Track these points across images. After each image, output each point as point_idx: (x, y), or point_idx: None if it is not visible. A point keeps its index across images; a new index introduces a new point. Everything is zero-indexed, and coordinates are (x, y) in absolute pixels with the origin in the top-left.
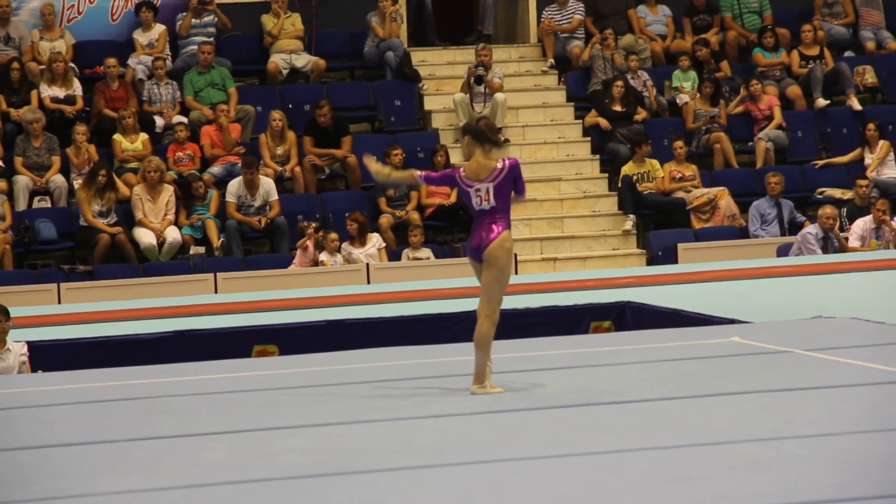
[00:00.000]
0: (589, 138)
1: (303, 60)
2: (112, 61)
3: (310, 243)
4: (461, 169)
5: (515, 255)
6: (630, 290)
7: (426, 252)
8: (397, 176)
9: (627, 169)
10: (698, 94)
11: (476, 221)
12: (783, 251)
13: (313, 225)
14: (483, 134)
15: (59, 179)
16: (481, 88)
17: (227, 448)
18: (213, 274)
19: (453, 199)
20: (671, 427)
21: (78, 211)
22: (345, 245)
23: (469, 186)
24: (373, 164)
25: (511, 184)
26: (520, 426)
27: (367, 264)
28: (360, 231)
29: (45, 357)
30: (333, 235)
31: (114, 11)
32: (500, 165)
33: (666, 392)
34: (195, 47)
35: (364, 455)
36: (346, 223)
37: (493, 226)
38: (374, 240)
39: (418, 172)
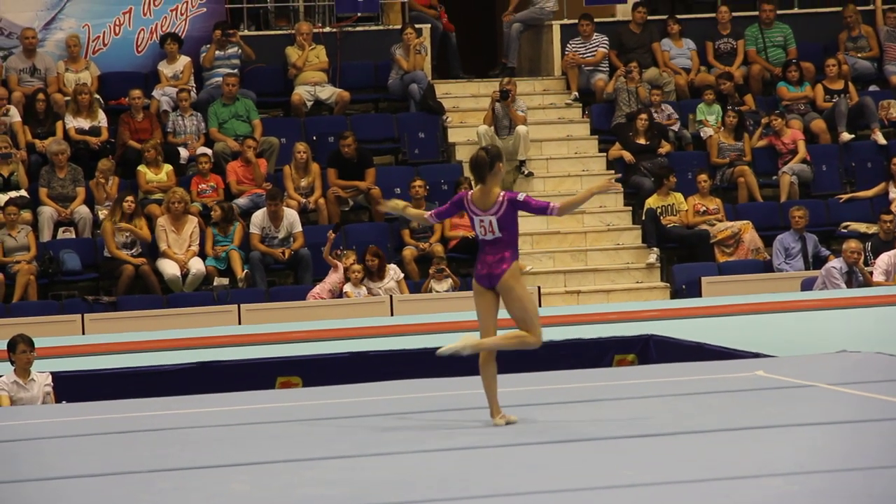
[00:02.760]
0: (613, 171)
1: (327, 92)
2: (137, 93)
3: (341, 265)
4: (469, 193)
5: (539, 287)
6: (654, 323)
7: (448, 284)
8: (411, 212)
9: (651, 202)
10: (722, 128)
11: (481, 248)
12: (807, 285)
13: (352, 256)
14: (474, 166)
15: (83, 210)
16: (508, 103)
17: (249, 480)
18: (236, 305)
19: None
20: (695, 461)
21: (102, 242)
22: (364, 280)
23: (474, 214)
24: (390, 202)
25: (514, 216)
26: (543, 459)
27: (391, 296)
28: (379, 266)
29: (69, 387)
30: (357, 267)
31: (139, 43)
32: (499, 199)
33: (690, 426)
34: (220, 79)
35: (387, 487)
36: (367, 257)
37: (500, 257)
38: (392, 272)
39: (428, 213)
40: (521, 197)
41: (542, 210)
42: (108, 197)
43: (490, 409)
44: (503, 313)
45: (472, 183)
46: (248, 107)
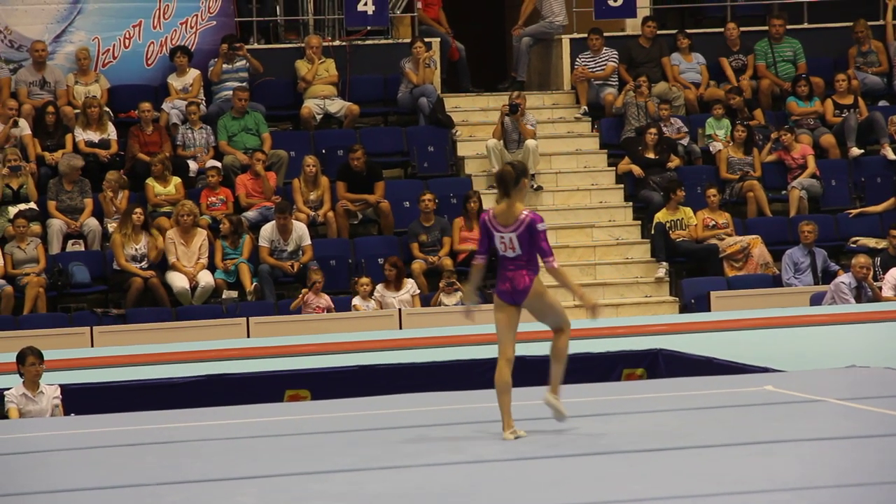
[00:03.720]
0: (622, 185)
1: (336, 106)
2: (146, 105)
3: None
4: (490, 211)
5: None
6: (663, 337)
7: (457, 297)
8: (474, 280)
9: (660, 216)
10: (732, 142)
11: (501, 264)
12: (816, 300)
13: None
14: (499, 180)
15: (92, 223)
16: (517, 117)
17: (258, 493)
18: (245, 318)
19: None
20: (704, 475)
21: (111, 255)
22: (379, 287)
23: (495, 230)
24: (466, 298)
25: (529, 238)
26: (551, 473)
27: (400, 310)
28: (397, 276)
29: (78, 400)
30: (365, 280)
31: (148, 56)
32: (522, 217)
33: (698, 440)
34: (229, 92)
35: (395, 501)
36: (385, 267)
37: (523, 274)
38: (410, 286)
39: (478, 262)
40: (540, 227)
41: (544, 253)
42: (117, 210)
43: (502, 423)
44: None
45: (497, 198)
46: (258, 120)
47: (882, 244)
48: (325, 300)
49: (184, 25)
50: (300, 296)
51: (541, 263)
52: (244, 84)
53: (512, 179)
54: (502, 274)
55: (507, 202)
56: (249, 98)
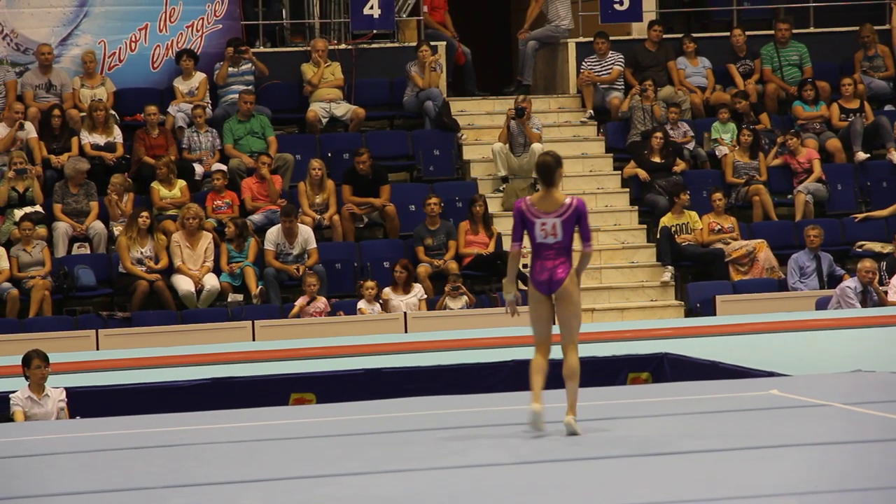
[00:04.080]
0: (627, 189)
1: (342, 109)
2: (152, 109)
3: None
4: (526, 200)
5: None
6: (668, 341)
7: (463, 301)
8: (511, 272)
9: (666, 220)
10: (737, 146)
11: (538, 253)
12: (822, 304)
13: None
14: (543, 169)
15: (98, 226)
16: (523, 121)
17: (263, 496)
18: (250, 321)
19: (491, 248)
20: (709, 479)
21: (117, 257)
22: (386, 290)
23: (535, 217)
24: (507, 296)
25: (575, 222)
26: (557, 477)
27: (405, 313)
28: (406, 279)
29: (83, 403)
30: (371, 283)
31: (154, 59)
32: (567, 201)
33: (703, 444)
34: (235, 96)
35: None
36: (396, 269)
37: (561, 262)
38: (417, 290)
39: (513, 251)
40: (585, 211)
41: (587, 237)
42: (122, 214)
43: (532, 396)
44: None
45: (540, 186)
46: (264, 123)
47: (888, 248)
48: (322, 303)
49: (190, 29)
50: (295, 307)
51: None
52: (250, 87)
53: (555, 168)
54: (540, 263)
55: (546, 192)
56: (255, 101)
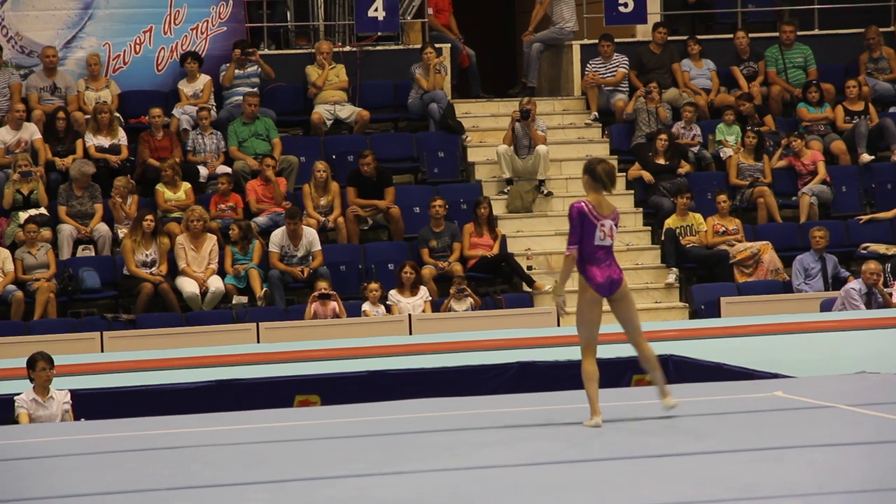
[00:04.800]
0: (632, 191)
1: (346, 111)
2: (157, 111)
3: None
4: (587, 202)
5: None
6: (673, 343)
7: (468, 303)
8: (565, 273)
9: (670, 222)
10: (742, 148)
11: (593, 256)
12: (826, 306)
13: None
14: (596, 176)
15: (102, 228)
16: (528, 123)
17: (267, 498)
18: (255, 323)
19: (496, 250)
20: (713, 481)
21: (121, 260)
22: (392, 293)
23: (597, 220)
24: (553, 292)
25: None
26: (560, 479)
27: (410, 315)
28: (414, 281)
29: (88, 405)
30: (375, 285)
31: (159, 62)
32: (613, 206)
33: (708, 446)
34: (239, 98)
35: None
36: (405, 270)
37: (612, 262)
38: (423, 292)
39: (567, 253)
40: (616, 217)
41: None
42: (127, 216)
43: (591, 409)
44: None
45: (585, 187)
46: (268, 125)
47: (892, 250)
48: (332, 306)
49: (194, 31)
50: (308, 305)
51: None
52: (254, 90)
53: (610, 177)
54: (597, 266)
55: (602, 195)
56: (260, 104)
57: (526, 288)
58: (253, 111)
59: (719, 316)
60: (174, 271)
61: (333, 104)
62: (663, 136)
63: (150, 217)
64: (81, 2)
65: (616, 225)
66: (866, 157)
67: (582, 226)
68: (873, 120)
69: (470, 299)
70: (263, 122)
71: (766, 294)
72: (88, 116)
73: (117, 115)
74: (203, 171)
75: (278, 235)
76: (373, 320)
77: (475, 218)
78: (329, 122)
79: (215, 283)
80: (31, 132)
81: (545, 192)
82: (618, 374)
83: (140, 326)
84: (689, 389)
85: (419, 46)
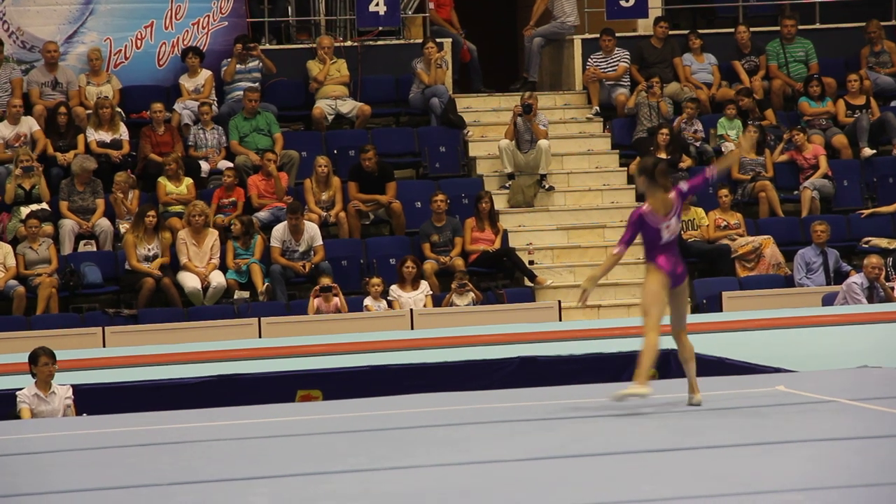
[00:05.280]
0: (633, 185)
1: (348, 106)
2: (158, 106)
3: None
4: (644, 207)
5: (559, 301)
6: None
7: (469, 298)
8: (604, 270)
9: None
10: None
11: (659, 250)
12: (828, 300)
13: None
14: (654, 177)
15: (104, 223)
16: (530, 117)
17: (269, 493)
18: (257, 318)
19: (497, 245)
20: (715, 475)
21: (123, 255)
22: (393, 287)
23: (658, 223)
24: (587, 289)
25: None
26: (562, 473)
27: (411, 310)
28: (415, 276)
29: (90, 400)
30: (377, 280)
31: (160, 57)
32: (673, 198)
33: (710, 440)
34: (241, 93)
35: (407, 500)
36: (406, 264)
37: (678, 255)
38: (424, 286)
39: (615, 250)
40: (684, 187)
41: (700, 185)
42: (128, 211)
43: (690, 387)
44: None
45: (640, 188)
46: (269, 120)
47: (894, 244)
48: (335, 303)
49: (195, 26)
50: (311, 299)
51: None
52: (255, 85)
53: (666, 176)
54: (668, 260)
55: (662, 195)
56: (261, 98)
57: (527, 283)
58: (253, 106)
59: (721, 310)
60: (176, 266)
61: (335, 99)
62: (664, 131)
63: (151, 213)
64: None
65: (679, 217)
66: (868, 152)
67: (643, 231)
68: (875, 114)
69: (471, 294)
70: (264, 116)
71: (768, 288)
72: (90, 112)
73: (118, 110)
74: (204, 165)
75: (280, 230)
76: (374, 315)
77: (477, 213)
78: (330, 117)
79: (217, 278)
80: (30, 126)
81: (547, 186)
82: (619, 368)
83: (142, 321)
84: None
85: (420, 41)
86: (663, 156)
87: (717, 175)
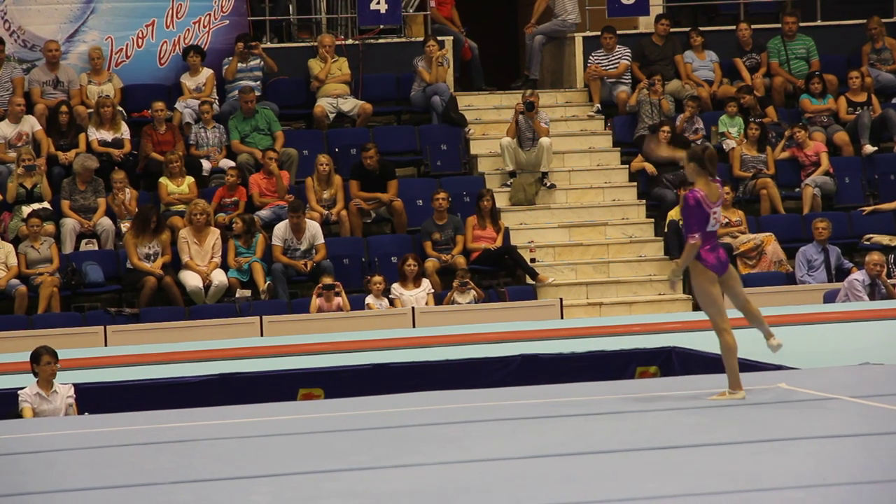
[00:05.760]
0: (635, 183)
1: (349, 104)
2: (159, 105)
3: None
4: (697, 192)
5: (561, 299)
6: (676, 335)
7: (471, 296)
8: (684, 260)
9: (674, 214)
10: (745, 140)
11: (706, 240)
12: (830, 297)
13: (326, 280)
14: (705, 163)
15: (106, 222)
16: (532, 115)
17: (271, 491)
18: (258, 317)
19: (499, 243)
20: (717, 473)
21: (125, 254)
22: (395, 286)
23: (710, 208)
24: (675, 274)
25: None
26: (564, 471)
27: (413, 308)
28: (416, 274)
29: (92, 399)
30: (378, 278)
31: (161, 55)
32: (718, 186)
33: (712, 438)
34: None
35: (408, 499)
36: (407, 262)
37: (719, 243)
38: (425, 284)
39: (692, 240)
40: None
41: None
42: (127, 212)
43: (733, 383)
44: None
45: (689, 175)
46: (269, 118)
47: (895, 241)
48: (336, 301)
49: (197, 25)
50: (313, 298)
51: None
52: (249, 84)
53: (715, 163)
54: (714, 249)
55: (710, 181)
56: (262, 97)
57: (529, 280)
58: (250, 108)
59: None
60: (177, 265)
61: (336, 97)
62: (666, 128)
63: (154, 219)
64: None
65: (723, 207)
66: (869, 149)
67: (699, 213)
68: (876, 111)
69: (473, 292)
70: (263, 114)
71: (770, 285)
72: (91, 110)
73: (120, 109)
74: (206, 164)
75: (281, 229)
76: (376, 313)
77: (478, 211)
78: (332, 116)
79: (219, 277)
80: (32, 125)
81: (548, 184)
82: (621, 366)
83: (143, 320)
84: (692, 381)
85: (422, 39)
86: (664, 154)
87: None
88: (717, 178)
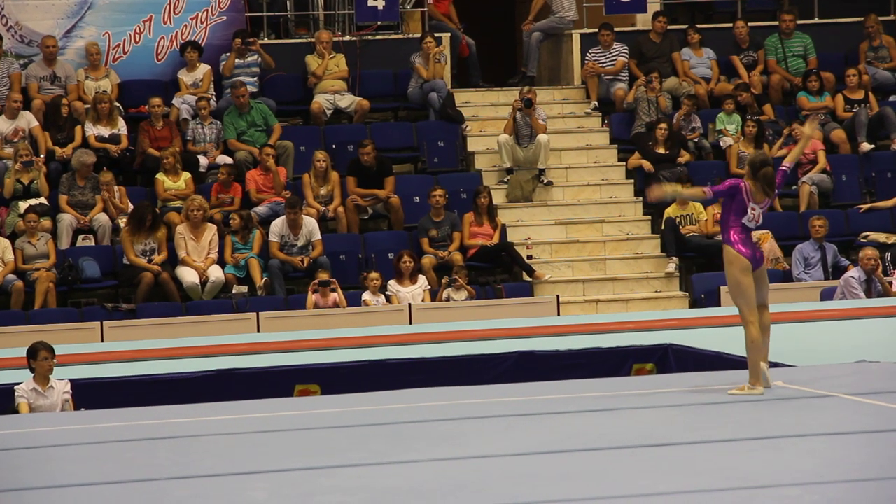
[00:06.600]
0: (632, 180)
1: (346, 101)
2: (157, 101)
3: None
4: (745, 183)
5: (558, 296)
6: (673, 332)
7: (466, 293)
8: (687, 193)
9: (670, 211)
10: (742, 137)
11: (741, 233)
12: (827, 295)
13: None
14: (757, 173)
15: (102, 218)
16: (530, 112)
17: (267, 487)
18: (255, 313)
19: (496, 240)
20: (713, 470)
21: (121, 249)
22: (391, 283)
23: (749, 201)
24: (665, 187)
25: None
26: (560, 468)
27: (410, 305)
28: (413, 270)
29: (88, 395)
30: (375, 275)
31: (159, 51)
32: (768, 200)
33: (708, 435)
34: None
35: (405, 495)
36: (403, 259)
37: (756, 241)
38: (422, 281)
39: (707, 189)
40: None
41: (783, 181)
42: (120, 210)
43: (755, 377)
44: None
45: (760, 189)
46: (265, 112)
47: (892, 239)
48: (333, 297)
49: (194, 20)
50: (309, 294)
51: None
52: (255, 79)
53: (771, 183)
54: (749, 244)
55: (757, 184)
56: (259, 93)
57: (526, 277)
58: (243, 102)
59: (719, 305)
60: (174, 261)
61: (333, 94)
62: (663, 125)
63: (149, 217)
64: None
65: (764, 210)
66: (866, 146)
67: (733, 199)
68: (873, 109)
69: (465, 290)
70: (259, 109)
71: None
72: (88, 106)
73: (117, 104)
74: (203, 160)
75: (278, 225)
76: (373, 310)
77: (475, 207)
78: (329, 112)
79: (215, 273)
80: (28, 120)
81: (545, 181)
82: (618, 363)
83: (140, 316)
84: (688, 378)
85: (419, 36)
86: (662, 151)
87: (792, 164)
88: (771, 196)
